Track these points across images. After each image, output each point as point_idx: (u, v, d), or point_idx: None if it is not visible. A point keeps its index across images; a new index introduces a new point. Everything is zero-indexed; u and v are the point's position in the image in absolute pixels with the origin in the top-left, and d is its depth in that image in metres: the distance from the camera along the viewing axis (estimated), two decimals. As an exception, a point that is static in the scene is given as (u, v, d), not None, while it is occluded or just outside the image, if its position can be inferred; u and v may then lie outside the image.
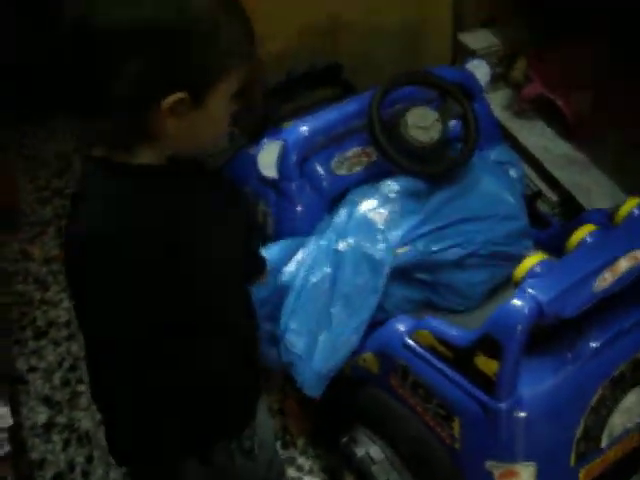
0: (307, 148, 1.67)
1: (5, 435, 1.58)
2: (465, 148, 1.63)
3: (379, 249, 1.54)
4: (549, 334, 1.32)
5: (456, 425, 1.34)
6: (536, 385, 1.29)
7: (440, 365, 1.35)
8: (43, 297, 2.23)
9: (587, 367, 1.32)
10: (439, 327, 1.36)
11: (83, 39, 0.84)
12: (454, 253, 1.59)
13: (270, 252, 1.56)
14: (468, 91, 1.79)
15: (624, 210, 1.45)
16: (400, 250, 1.56)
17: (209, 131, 0.96)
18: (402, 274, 1.59)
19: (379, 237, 1.56)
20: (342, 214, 1.61)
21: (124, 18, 0.83)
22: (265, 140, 1.69)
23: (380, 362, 1.50)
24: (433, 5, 2.41)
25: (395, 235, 1.56)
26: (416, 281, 1.61)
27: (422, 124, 1.60)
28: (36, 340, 2.11)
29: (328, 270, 1.56)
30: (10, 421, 1.60)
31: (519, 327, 1.20)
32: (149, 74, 0.85)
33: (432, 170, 1.62)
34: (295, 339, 1.54)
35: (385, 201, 1.61)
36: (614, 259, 1.25)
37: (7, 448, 1.56)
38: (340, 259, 1.56)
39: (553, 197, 2.00)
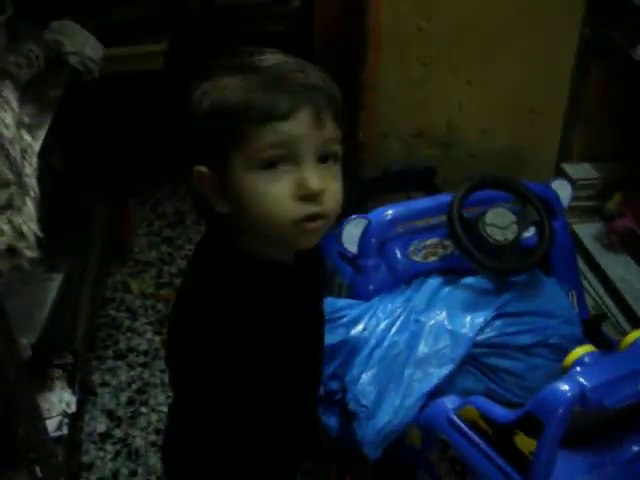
0: (389, 231, 1.81)
1: (67, 420, 1.73)
2: (538, 250, 1.73)
3: (463, 324, 1.65)
4: (593, 433, 1.36)
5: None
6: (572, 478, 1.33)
7: (478, 441, 1.41)
8: (131, 325, 2.43)
9: (627, 470, 1.34)
10: (485, 403, 1.43)
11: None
12: (526, 338, 1.67)
13: (345, 304, 1.69)
14: (550, 207, 1.91)
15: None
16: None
17: (252, 210, 0.90)
18: (469, 361, 1.67)
19: (463, 316, 1.67)
20: (424, 292, 1.73)
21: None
22: (353, 216, 1.85)
23: (423, 436, 1.57)
24: (544, 134, 2.56)
25: (477, 316, 1.67)
26: (481, 368, 1.69)
27: (500, 224, 1.72)
28: (114, 360, 2.30)
29: (406, 334, 1.66)
30: (74, 408, 1.75)
31: (561, 408, 1.25)
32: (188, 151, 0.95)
33: (506, 267, 1.72)
34: (366, 390, 1.59)
35: (465, 291, 1.73)
36: None
37: (65, 431, 1.71)
38: (421, 328, 1.66)
39: (626, 326, 2.04)
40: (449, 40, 2.31)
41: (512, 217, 1.74)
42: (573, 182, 2.50)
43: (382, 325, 1.69)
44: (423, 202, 1.86)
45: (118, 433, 2.07)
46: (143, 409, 2.14)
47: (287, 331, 0.98)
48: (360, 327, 1.69)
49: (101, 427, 2.09)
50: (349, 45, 2.40)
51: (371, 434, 1.58)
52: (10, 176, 1.50)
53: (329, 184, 0.91)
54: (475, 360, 1.66)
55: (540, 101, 2.47)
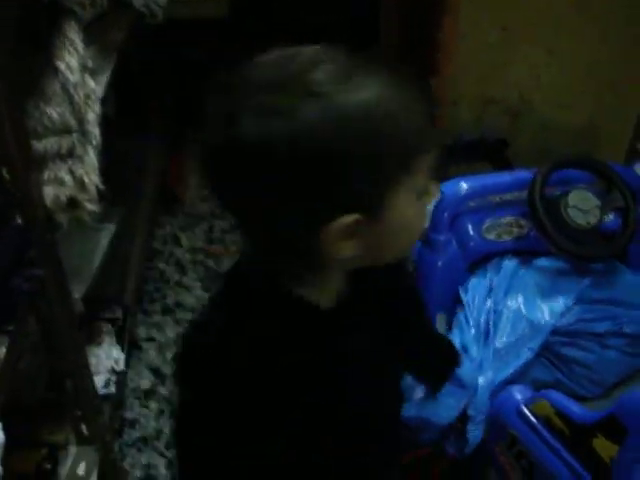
0: (463, 205, 1.71)
1: (115, 378, 1.69)
2: (621, 239, 1.63)
3: (542, 312, 1.56)
4: None
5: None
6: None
7: (552, 439, 1.33)
8: (180, 280, 2.38)
9: None
10: (561, 400, 1.35)
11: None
12: (602, 325, 1.58)
13: None
14: (633, 191, 1.79)
15: None
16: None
17: (401, 238, 0.80)
18: (543, 351, 1.59)
19: (541, 303, 1.58)
20: (503, 277, 1.64)
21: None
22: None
23: (490, 427, 1.49)
24: (621, 111, 2.41)
25: (556, 303, 1.58)
26: (551, 358, 1.60)
27: (582, 207, 1.62)
28: (162, 315, 2.25)
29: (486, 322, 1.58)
30: (122, 366, 1.71)
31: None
32: (315, 205, 0.72)
33: (586, 253, 1.62)
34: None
35: (542, 275, 1.64)
36: None
37: (113, 389, 1.67)
38: (498, 318, 1.58)
39: None
40: (533, 4, 2.17)
41: (596, 201, 1.63)
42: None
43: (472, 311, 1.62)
44: (500, 177, 1.77)
45: (162, 391, 2.03)
46: (189, 368, 2.09)
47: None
48: None
49: (145, 384, 2.04)
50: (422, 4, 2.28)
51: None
52: (73, 123, 1.43)
53: None
54: (546, 349, 1.58)
55: (622, 77, 2.33)
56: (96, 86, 1.64)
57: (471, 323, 1.55)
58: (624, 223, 1.64)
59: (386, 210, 0.75)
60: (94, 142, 1.48)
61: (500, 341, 1.53)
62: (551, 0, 2.14)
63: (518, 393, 1.43)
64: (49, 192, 1.32)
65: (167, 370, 2.08)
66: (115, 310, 1.86)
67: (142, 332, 2.19)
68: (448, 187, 1.72)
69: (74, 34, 1.58)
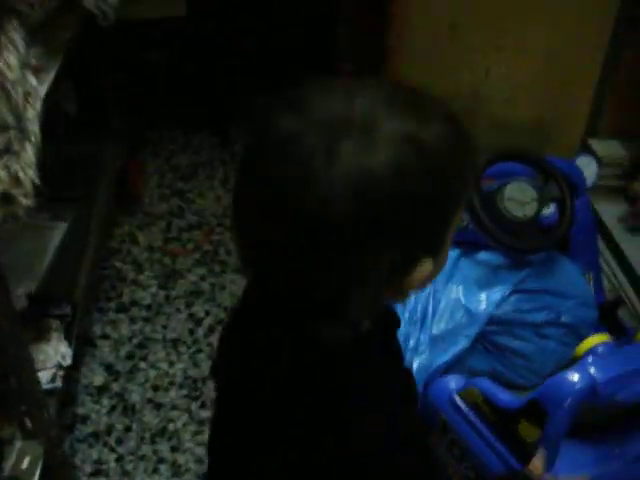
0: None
1: (62, 373, 1.70)
2: (558, 230, 1.66)
3: (479, 301, 1.60)
4: (605, 423, 1.31)
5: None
6: (575, 470, 1.28)
7: (479, 425, 1.36)
8: (136, 278, 2.39)
9: (633, 468, 1.29)
10: (490, 387, 1.39)
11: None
12: (539, 315, 1.62)
13: None
14: (573, 184, 1.83)
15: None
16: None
17: (439, 269, 0.77)
18: (478, 339, 1.62)
19: (479, 292, 1.62)
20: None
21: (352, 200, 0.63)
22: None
23: (424, 414, 1.52)
24: (571, 109, 2.46)
25: (494, 292, 1.61)
26: (489, 347, 1.63)
27: (519, 199, 1.65)
28: (116, 313, 2.26)
29: (423, 309, 1.61)
30: (69, 361, 1.72)
31: (569, 400, 1.20)
32: (398, 261, 0.69)
33: (523, 245, 1.65)
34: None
35: (481, 267, 1.68)
36: None
37: (59, 384, 1.68)
38: (437, 305, 1.61)
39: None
40: (479, 1, 2.21)
41: (533, 193, 1.66)
42: (599, 160, 2.42)
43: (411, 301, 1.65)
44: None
45: (115, 387, 2.04)
46: (142, 364, 2.11)
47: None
48: None
49: (98, 380, 2.06)
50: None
51: None
52: (10, 119, 1.44)
53: None
54: (484, 338, 1.61)
55: (571, 73, 2.37)
56: (39, 85, 1.65)
57: (406, 307, 1.58)
58: (560, 214, 1.68)
59: (443, 247, 0.74)
60: (33, 139, 1.49)
61: (437, 327, 1.56)
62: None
63: (452, 382, 1.46)
64: (-17, 188, 1.34)
65: (120, 367, 2.10)
66: (64, 307, 1.86)
67: (97, 330, 2.20)
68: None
69: (15, 33, 1.60)
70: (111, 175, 2.46)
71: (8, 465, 1.54)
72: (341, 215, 0.63)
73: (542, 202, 1.67)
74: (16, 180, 1.38)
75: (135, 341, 2.18)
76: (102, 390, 2.03)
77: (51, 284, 1.92)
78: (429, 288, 1.61)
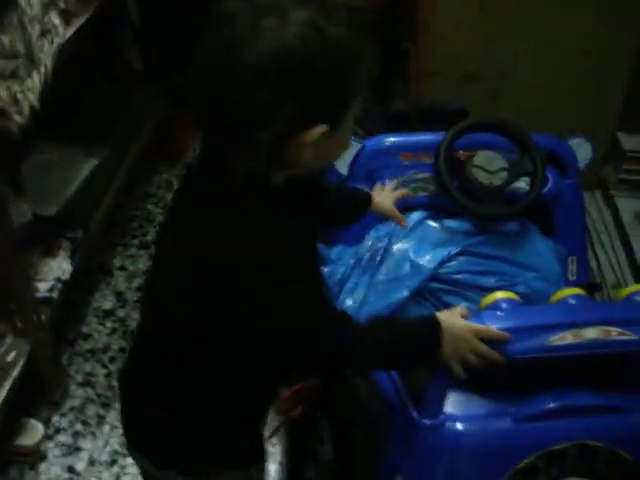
0: (382, 159, 1.81)
1: (60, 286, 1.89)
2: (525, 200, 1.69)
3: (425, 255, 1.66)
4: (507, 381, 1.35)
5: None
6: (467, 422, 1.33)
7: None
8: (162, 220, 2.57)
9: (524, 429, 1.33)
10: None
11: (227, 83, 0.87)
12: (489, 280, 1.65)
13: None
14: (562, 164, 1.84)
15: (627, 291, 1.43)
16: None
17: (339, 150, 1.01)
18: (427, 295, 1.68)
19: (428, 249, 1.68)
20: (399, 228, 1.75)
21: (269, 57, 0.85)
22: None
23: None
24: (601, 98, 2.43)
25: (442, 250, 1.67)
26: (437, 305, 1.69)
27: (487, 167, 1.69)
28: (138, 249, 2.45)
29: (375, 260, 1.70)
30: (67, 276, 1.91)
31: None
32: (296, 115, 0.87)
33: (484, 212, 1.70)
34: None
35: (442, 229, 1.73)
36: (583, 323, 1.25)
37: (55, 295, 1.87)
38: (386, 256, 1.69)
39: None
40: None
41: (503, 163, 1.70)
42: (624, 152, 2.40)
43: (363, 250, 1.73)
44: (424, 136, 1.85)
45: (120, 313, 2.23)
46: (149, 296, 2.29)
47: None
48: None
49: (107, 305, 2.25)
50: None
51: None
52: (21, 49, 1.63)
53: None
54: (432, 295, 1.67)
55: (605, 61, 2.35)
56: (63, 25, 1.84)
57: (353, 254, 1.66)
58: (530, 186, 1.71)
59: (343, 124, 0.93)
60: (42, 70, 1.68)
61: (379, 274, 1.63)
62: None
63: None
64: (-16, 103, 1.53)
65: (129, 296, 2.28)
66: (76, 231, 2.06)
67: (117, 262, 2.40)
68: (371, 141, 1.83)
69: (43, -24, 1.79)
70: (152, 126, 2.65)
71: (-5, 355, 1.75)
72: (257, 65, 0.85)
73: (513, 174, 1.70)
74: (15, 100, 1.56)
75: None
76: (108, 314, 2.22)
77: (70, 210, 2.12)
78: (383, 241, 1.68)
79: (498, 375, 1.32)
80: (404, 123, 2.15)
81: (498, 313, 1.28)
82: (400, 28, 2.55)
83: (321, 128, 0.89)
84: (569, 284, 1.78)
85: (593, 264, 2.26)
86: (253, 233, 0.94)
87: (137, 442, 1.19)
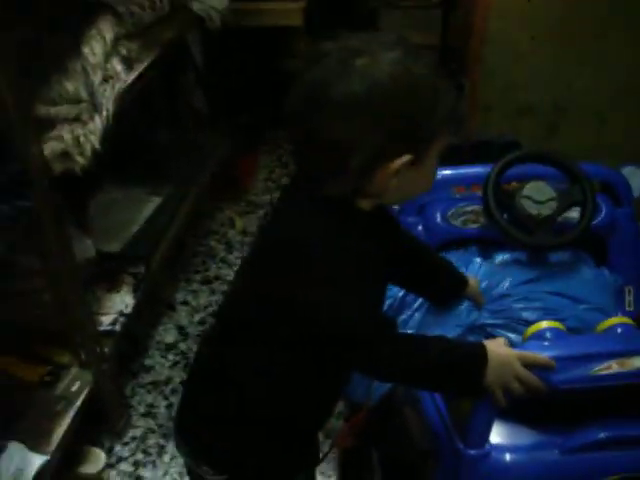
0: (433, 192, 1.82)
1: (123, 319, 1.97)
2: (574, 231, 1.68)
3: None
4: (553, 412, 1.34)
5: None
6: (514, 453, 1.32)
7: (438, 399, 1.44)
8: (225, 257, 2.65)
9: (572, 460, 1.31)
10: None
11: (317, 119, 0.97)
12: (534, 314, 1.62)
13: None
14: (615, 193, 1.82)
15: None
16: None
17: (423, 185, 1.08)
18: (477, 330, 1.68)
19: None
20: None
21: (362, 92, 0.94)
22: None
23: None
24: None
25: (494, 287, 1.67)
26: (480, 334, 1.69)
27: (537, 198, 1.69)
28: (200, 284, 2.53)
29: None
30: (130, 310, 1.98)
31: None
32: (386, 144, 0.96)
33: (533, 242, 1.69)
34: None
35: (493, 263, 1.74)
36: (629, 352, 1.23)
37: (118, 328, 1.94)
38: None
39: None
40: (560, 16, 2.24)
41: (551, 193, 1.69)
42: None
43: None
44: (475, 169, 1.86)
45: (182, 346, 2.29)
46: (210, 330, 2.35)
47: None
48: None
49: (169, 338, 2.32)
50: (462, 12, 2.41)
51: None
52: (84, 95, 1.73)
53: None
54: (482, 329, 1.66)
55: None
56: (128, 71, 1.95)
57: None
58: (580, 215, 1.69)
59: (427, 157, 1.01)
60: (104, 113, 1.77)
61: (433, 310, 1.64)
62: (578, 8, 2.20)
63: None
64: (50, 146, 1.63)
65: (191, 330, 2.35)
66: (139, 267, 2.14)
67: (180, 297, 2.48)
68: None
69: (106, 25, 1.90)
70: (215, 165, 2.75)
71: (61, 386, 1.83)
72: (351, 100, 0.94)
73: (563, 204, 1.69)
74: (77, 142, 1.66)
75: (210, 310, 2.42)
76: (170, 347, 2.29)
77: (134, 247, 2.21)
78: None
79: (543, 405, 1.32)
80: (456, 156, 2.17)
81: (542, 342, 1.27)
82: (454, 63, 2.58)
83: (406, 158, 0.97)
84: (626, 315, 1.75)
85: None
86: (325, 241, 1.02)
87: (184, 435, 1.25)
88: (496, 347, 1.16)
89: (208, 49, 2.92)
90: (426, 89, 0.97)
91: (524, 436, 1.33)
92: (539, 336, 1.30)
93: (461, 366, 1.14)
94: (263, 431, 1.17)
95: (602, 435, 1.29)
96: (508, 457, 1.29)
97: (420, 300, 1.67)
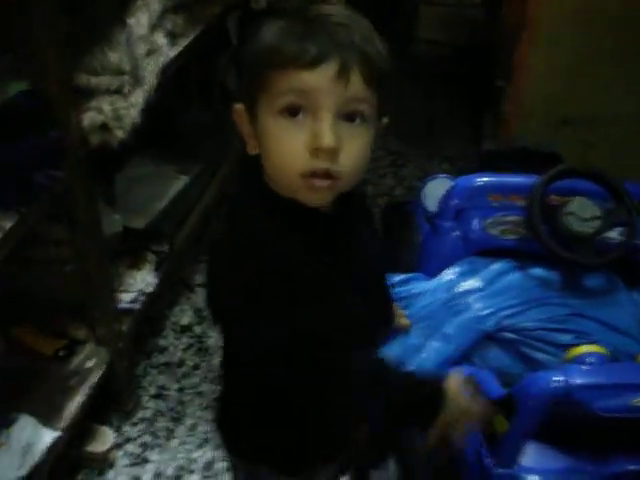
0: (474, 199, 1.79)
1: (143, 298, 1.93)
2: (617, 250, 1.64)
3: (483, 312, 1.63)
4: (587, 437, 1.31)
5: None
6: (543, 476, 1.29)
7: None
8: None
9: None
10: (484, 377, 1.42)
11: None
12: (567, 338, 1.61)
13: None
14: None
15: None
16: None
17: (273, 158, 0.91)
18: (508, 345, 1.64)
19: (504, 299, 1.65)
20: (484, 275, 1.73)
21: None
22: (439, 175, 1.85)
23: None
24: None
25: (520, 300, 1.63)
26: (518, 355, 1.65)
27: (581, 214, 1.65)
28: (219, 268, 2.48)
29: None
30: (151, 289, 1.95)
31: (539, 396, 1.23)
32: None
33: (573, 258, 1.65)
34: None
35: (526, 278, 1.70)
36: None
37: (138, 306, 1.91)
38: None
39: None
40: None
41: (597, 211, 1.65)
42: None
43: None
44: (515, 178, 1.82)
45: (197, 329, 2.25)
46: (226, 315, 2.31)
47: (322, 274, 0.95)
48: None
49: (185, 320, 2.28)
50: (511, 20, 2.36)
51: None
52: (127, 67, 1.68)
53: (347, 143, 0.88)
54: (511, 345, 1.62)
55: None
56: (170, 45, 1.90)
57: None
58: (626, 236, 1.66)
59: (257, 112, 0.90)
60: (146, 87, 1.73)
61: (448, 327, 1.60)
62: (627, 27, 2.15)
63: (457, 372, 1.49)
64: (89, 116, 1.59)
65: (208, 313, 2.30)
66: (163, 245, 2.10)
67: (199, 278, 2.43)
68: (463, 179, 1.81)
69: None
70: (241, 147, 2.69)
71: (75, 361, 1.79)
72: None
73: (607, 223, 1.66)
74: (117, 115, 1.61)
75: (228, 295, 2.38)
76: (185, 329, 2.25)
77: (159, 225, 2.17)
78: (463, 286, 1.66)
79: (575, 430, 1.29)
80: (495, 163, 2.13)
81: (583, 367, 1.24)
82: (496, 65, 2.53)
83: (238, 105, 0.93)
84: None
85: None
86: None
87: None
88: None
89: (243, 30, 2.86)
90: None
91: (555, 460, 1.30)
92: (581, 360, 1.27)
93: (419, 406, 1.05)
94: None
95: (633, 467, 1.26)
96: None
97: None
